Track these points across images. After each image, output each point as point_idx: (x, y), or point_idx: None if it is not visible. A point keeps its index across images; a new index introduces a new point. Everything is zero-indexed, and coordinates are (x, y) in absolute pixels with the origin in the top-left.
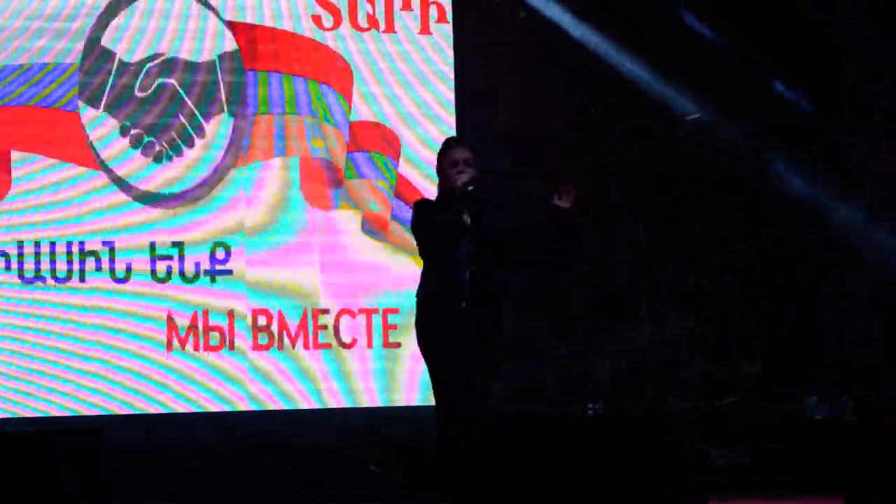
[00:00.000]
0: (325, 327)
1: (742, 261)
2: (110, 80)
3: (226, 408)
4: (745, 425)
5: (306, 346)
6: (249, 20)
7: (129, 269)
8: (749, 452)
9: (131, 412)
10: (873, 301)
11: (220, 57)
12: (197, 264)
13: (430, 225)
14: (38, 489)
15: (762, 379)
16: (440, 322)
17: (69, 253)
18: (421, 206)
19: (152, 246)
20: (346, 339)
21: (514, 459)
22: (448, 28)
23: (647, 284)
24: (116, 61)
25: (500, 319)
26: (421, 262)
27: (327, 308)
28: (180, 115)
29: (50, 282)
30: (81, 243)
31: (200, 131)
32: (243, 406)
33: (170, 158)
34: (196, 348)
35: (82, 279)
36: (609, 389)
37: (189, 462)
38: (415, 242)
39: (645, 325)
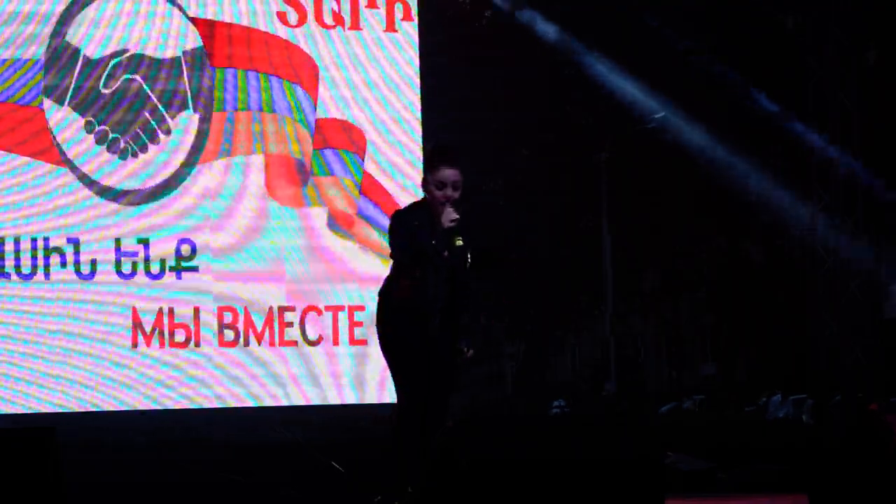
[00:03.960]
0: (290, 324)
1: (728, 266)
2: (75, 77)
3: (191, 405)
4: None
5: (272, 344)
6: (214, 17)
7: (94, 265)
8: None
9: (96, 409)
10: (858, 306)
11: (186, 54)
12: (162, 260)
13: (405, 237)
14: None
15: (749, 383)
16: (408, 331)
17: (34, 249)
18: (399, 217)
19: (117, 242)
20: (313, 336)
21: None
22: (414, 25)
23: (612, 288)
24: (81, 58)
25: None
26: (387, 261)
27: (293, 305)
28: (145, 112)
29: (14, 278)
30: (46, 239)
31: (165, 128)
32: (208, 403)
33: (135, 155)
34: (162, 345)
35: (47, 275)
36: (571, 388)
37: (155, 458)
38: (382, 241)
39: (612, 328)
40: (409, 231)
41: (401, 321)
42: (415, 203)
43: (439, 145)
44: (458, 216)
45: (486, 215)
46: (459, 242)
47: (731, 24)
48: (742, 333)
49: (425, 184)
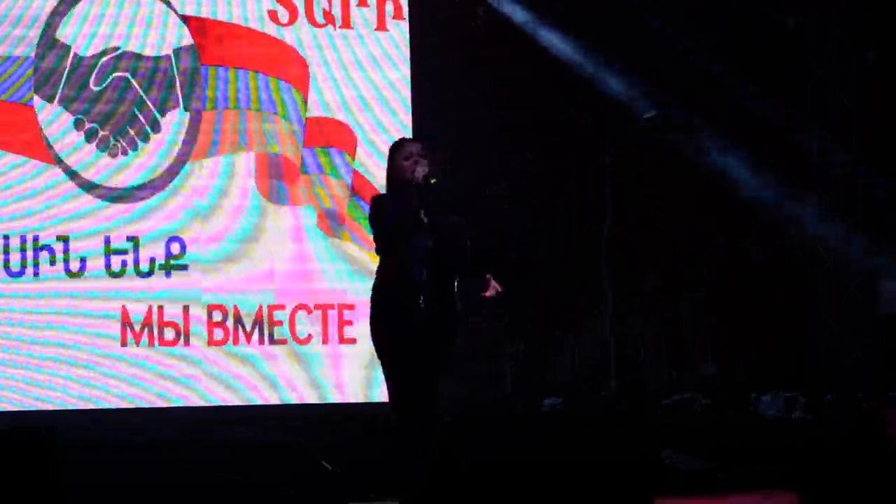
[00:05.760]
0: (280, 323)
1: (728, 266)
2: (65, 74)
3: (179, 403)
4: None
5: (262, 342)
6: (206, 15)
7: (83, 264)
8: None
9: (84, 407)
10: (858, 306)
11: (177, 51)
12: (152, 259)
13: (386, 217)
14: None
15: (749, 382)
16: (395, 319)
17: (23, 247)
18: (377, 200)
19: (107, 240)
20: (302, 334)
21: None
22: (404, 24)
23: (612, 288)
24: (71, 55)
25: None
26: (377, 257)
27: (283, 303)
28: (136, 110)
29: (3, 275)
30: (35, 237)
31: (156, 126)
32: (197, 402)
33: (125, 153)
34: (151, 343)
35: (36, 273)
36: (570, 388)
37: (144, 458)
38: (371, 238)
39: (611, 327)
40: (384, 210)
41: (385, 305)
42: (390, 191)
43: (395, 140)
44: (427, 169)
45: (490, 219)
46: (433, 181)
47: (731, 24)
48: (742, 333)
49: (392, 167)
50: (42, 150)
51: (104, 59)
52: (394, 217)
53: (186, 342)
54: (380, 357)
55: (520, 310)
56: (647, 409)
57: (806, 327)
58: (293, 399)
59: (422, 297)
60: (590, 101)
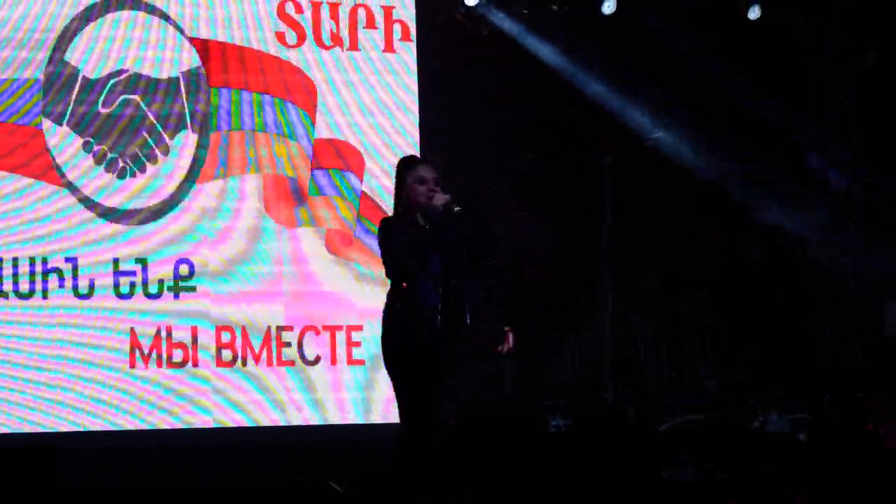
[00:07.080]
0: (288, 344)
1: (728, 266)
2: (73, 96)
3: (188, 426)
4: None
5: (270, 363)
6: (213, 37)
7: (91, 286)
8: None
9: (92, 430)
10: (858, 306)
11: (184, 74)
12: (160, 280)
13: (395, 240)
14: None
15: (748, 389)
16: (409, 340)
17: (32, 269)
18: (385, 223)
19: (115, 262)
20: (310, 356)
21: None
22: (412, 46)
23: (613, 287)
24: (80, 78)
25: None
26: (387, 280)
27: (291, 325)
28: (143, 132)
29: (13, 298)
30: (44, 259)
31: (164, 147)
32: (206, 424)
33: (133, 174)
34: (159, 365)
35: (45, 296)
36: (570, 391)
37: (155, 478)
38: (379, 260)
39: (611, 327)
40: (392, 233)
41: (399, 326)
42: (398, 213)
43: (407, 156)
44: (448, 196)
45: (490, 219)
46: (458, 209)
47: (731, 24)
48: (742, 333)
49: (403, 190)
50: (51, 172)
51: (113, 81)
52: (401, 239)
53: (195, 363)
54: (391, 374)
55: (520, 310)
56: (647, 409)
57: (806, 327)
58: (302, 420)
59: (437, 321)
60: (590, 101)
